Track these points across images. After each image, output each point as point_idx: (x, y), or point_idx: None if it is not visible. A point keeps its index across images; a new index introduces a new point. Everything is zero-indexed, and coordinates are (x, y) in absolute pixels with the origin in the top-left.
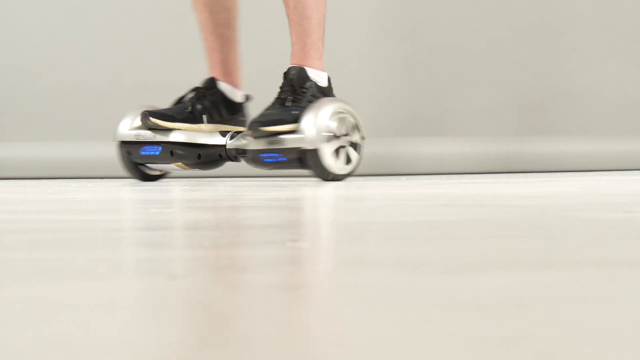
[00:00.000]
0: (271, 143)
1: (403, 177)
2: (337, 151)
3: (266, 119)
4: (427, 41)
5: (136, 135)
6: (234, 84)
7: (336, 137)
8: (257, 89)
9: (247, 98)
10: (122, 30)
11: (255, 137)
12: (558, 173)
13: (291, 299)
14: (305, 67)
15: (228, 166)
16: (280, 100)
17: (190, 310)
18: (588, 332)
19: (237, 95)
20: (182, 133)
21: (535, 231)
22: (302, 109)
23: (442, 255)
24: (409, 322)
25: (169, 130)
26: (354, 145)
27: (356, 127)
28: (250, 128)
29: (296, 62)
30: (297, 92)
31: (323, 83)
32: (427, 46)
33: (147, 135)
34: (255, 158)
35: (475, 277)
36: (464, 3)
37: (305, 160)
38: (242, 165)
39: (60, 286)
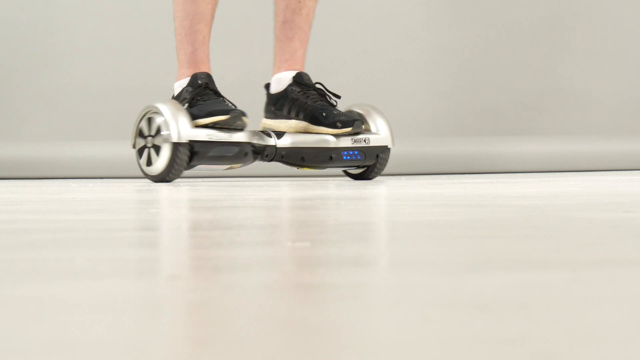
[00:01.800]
0: (357, 142)
1: (403, 177)
2: None
3: (349, 118)
4: (427, 41)
5: (208, 134)
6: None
7: None
8: (254, 89)
9: None
10: (122, 30)
11: (345, 135)
12: (558, 173)
13: (291, 299)
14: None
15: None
16: (327, 102)
17: (191, 311)
18: (588, 332)
19: None
20: (257, 134)
21: (535, 231)
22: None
23: (442, 255)
24: (409, 322)
25: (239, 130)
26: None
27: None
28: (347, 125)
29: (299, 68)
30: (325, 95)
31: None
32: (428, 46)
33: (222, 135)
34: (337, 157)
35: (475, 277)
36: (466, 3)
37: (378, 158)
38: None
39: (60, 286)
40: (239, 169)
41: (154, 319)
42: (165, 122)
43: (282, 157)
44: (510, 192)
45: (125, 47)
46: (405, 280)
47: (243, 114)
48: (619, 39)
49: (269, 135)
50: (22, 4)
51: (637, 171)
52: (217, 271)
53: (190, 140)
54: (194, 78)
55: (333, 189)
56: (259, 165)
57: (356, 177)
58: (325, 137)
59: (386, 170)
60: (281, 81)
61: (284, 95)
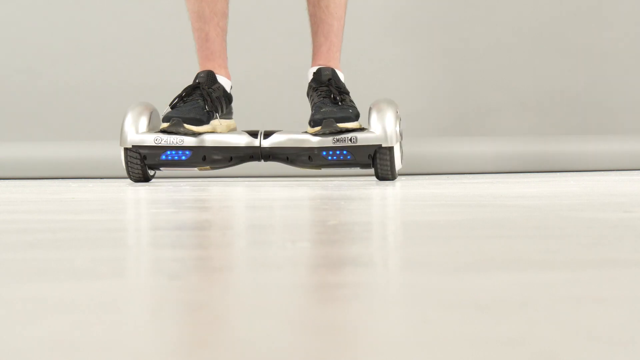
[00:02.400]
0: (339, 140)
1: (403, 177)
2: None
3: (335, 115)
4: (427, 41)
5: (156, 139)
6: (227, 75)
7: (401, 136)
8: (256, 90)
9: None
10: (122, 30)
11: (323, 134)
12: (558, 173)
13: (291, 299)
14: (334, 69)
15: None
16: (330, 99)
17: (191, 311)
18: (588, 332)
19: (228, 87)
20: (214, 136)
21: (535, 231)
22: (354, 108)
23: (442, 255)
24: (408, 322)
25: (199, 133)
26: (401, 147)
27: (401, 131)
28: (320, 124)
29: (324, 63)
30: (342, 92)
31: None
32: (428, 46)
33: (172, 139)
34: (316, 156)
35: (475, 277)
36: (467, 4)
37: (375, 159)
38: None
39: (60, 286)
40: (232, 167)
41: (154, 319)
42: (121, 125)
43: (269, 157)
44: (510, 192)
45: (125, 47)
46: (405, 280)
47: (187, 121)
48: (619, 39)
49: (255, 136)
50: (23, 3)
51: (637, 171)
52: (217, 271)
53: (134, 146)
54: (195, 77)
55: (333, 189)
56: (270, 165)
57: (380, 177)
58: (306, 137)
59: None
60: (307, 78)
61: (307, 92)
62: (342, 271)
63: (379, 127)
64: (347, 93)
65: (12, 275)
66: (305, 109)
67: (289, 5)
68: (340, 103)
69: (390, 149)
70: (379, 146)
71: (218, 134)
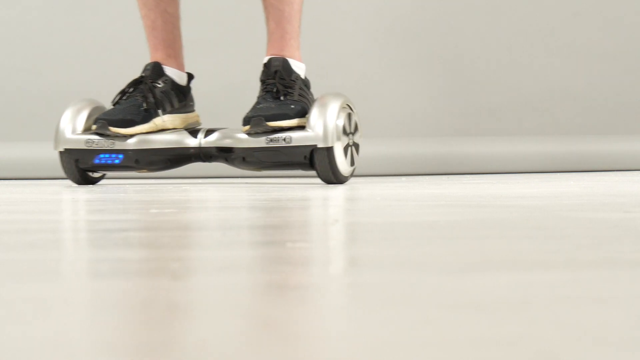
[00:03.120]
0: (272, 140)
1: (403, 177)
2: (345, 151)
3: (268, 113)
4: (427, 41)
5: (87, 142)
6: (179, 66)
7: (346, 134)
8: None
9: (191, 78)
10: (122, 30)
11: (256, 134)
12: (558, 173)
13: (291, 299)
14: (287, 58)
15: (193, 167)
16: (271, 94)
17: (191, 310)
18: (588, 332)
19: (183, 79)
20: (146, 138)
21: (535, 231)
22: (298, 103)
23: (442, 255)
24: (409, 322)
25: (130, 136)
26: (356, 145)
27: (357, 125)
28: (249, 123)
29: (276, 53)
30: (287, 85)
31: (303, 75)
32: (428, 46)
33: (102, 142)
34: (250, 157)
35: (475, 277)
36: (468, 4)
37: (313, 160)
38: (213, 166)
39: (60, 286)
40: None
41: (154, 319)
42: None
43: (212, 157)
44: (510, 192)
45: (125, 47)
46: (405, 280)
47: (113, 123)
48: (618, 39)
49: (195, 134)
50: (23, 4)
51: (637, 171)
52: (217, 271)
53: (66, 149)
54: (143, 69)
55: (333, 189)
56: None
57: (324, 180)
58: (243, 137)
59: (387, 170)
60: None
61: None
62: (342, 271)
63: (319, 124)
64: (299, 87)
65: (12, 275)
66: None
67: None
68: (282, 98)
69: (329, 149)
70: (315, 147)
71: (153, 134)
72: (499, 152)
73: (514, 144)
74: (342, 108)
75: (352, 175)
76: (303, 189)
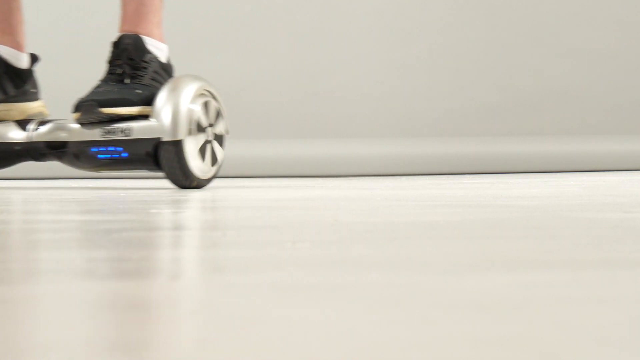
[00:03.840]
0: (109, 132)
1: (403, 177)
2: (202, 148)
3: (103, 97)
4: (427, 41)
5: None
6: (17, 45)
7: (202, 128)
8: (255, 89)
9: (34, 60)
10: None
11: (87, 123)
12: (558, 173)
13: (291, 299)
14: (141, 36)
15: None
16: (114, 77)
17: (191, 311)
18: (588, 332)
19: (22, 61)
20: (7, 125)
21: (535, 231)
22: (148, 88)
23: (442, 255)
24: (409, 322)
25: None
26: (219, 139)
27: (220, 115)
28: (80, 110)
29: (130, 29)
30: (137, 67)
31: (163, 58)
32: (428, 46)
33: None
34: (83, 154)
35: (475, 277)
36: (466, 3)
37: (159, 158)
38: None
39: (60, 286)
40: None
41: (154, 319)
42: None
43: (44, 155)
44: (510, 192)
45: None
46: (405, 280)
47: None
48: (618, 39)
49: (24, 127)
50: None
51: (637, 171)
52: (217, 271)
53: None
54: None
55: (332, 189)
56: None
57: (173, 182)
58: (76, 128)
59: (389, 170)
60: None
61: None
62: (342, 271)
63: (165, 112)
64: (154, 70)
65: (13, 275)
66: (306, 110)
67: (289, 5)
68: (128, 81)
69: (177, 144)
70: (160, 140)
71: (18, 121)
72: (499, 152)
73: (514, 144)
74: (198, 94)
75: (215, 176)
76: (302, 189)
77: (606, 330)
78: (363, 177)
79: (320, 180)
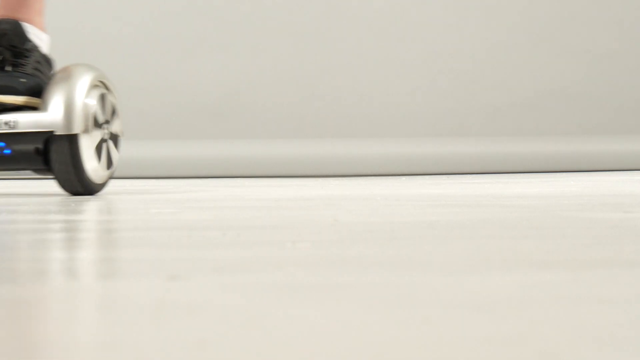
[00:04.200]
0: None
1: (403, 177)
2: (99, 147)
3: None
4: (427, 41)
5: None
6: None
7: (98, 124)
8: (255, 89)
9: None
10: (122, 30)
11: None
12: (558, 173)
13: (291, 299)
14: (21, 22)
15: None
16: None
17: (191, 311)
18: (588, 332)
19: None
20: None
21: (535, 231)
22: (32, 77)
23: (442, 255)
24: (409, 322)
25: None
26: (115, 139)
27: (116, 112)
28: None
29: (8, 14)
30: (19, 54)
31: (45, 49)
32: (428, 46)
33: None
34: None
35: (475, 277)
36: (466, 3)
37: (48, 155)
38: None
39: (61, 286)
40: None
41: (154, 320)
42: None
43: None
44: (510, 192)
45: (125, 46)
46: (405, 280)
47: None
48: (618, 39)
49: None
50: None
51: (637, 171)
52: (217, 271)
53: None
54: None
55: (332, 189)
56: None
57: (63, 187)
58: None
59: (389, 170)
60: None
61: None
62: (342, 271)
63: (57, 103)
64: (36, 60)
65: (12, 275)
66: (306, 110)
67: (289, 5)
68: (10, 69)
69: (72, 138)
70: (52, 134)
71: None
72: (499, 152)
73: (514, 144)
74: (93, 85)
75: (108, 180)
76: (302, 189)
77: (606, 330)
78: (363, 177)
79: (320, 180)
